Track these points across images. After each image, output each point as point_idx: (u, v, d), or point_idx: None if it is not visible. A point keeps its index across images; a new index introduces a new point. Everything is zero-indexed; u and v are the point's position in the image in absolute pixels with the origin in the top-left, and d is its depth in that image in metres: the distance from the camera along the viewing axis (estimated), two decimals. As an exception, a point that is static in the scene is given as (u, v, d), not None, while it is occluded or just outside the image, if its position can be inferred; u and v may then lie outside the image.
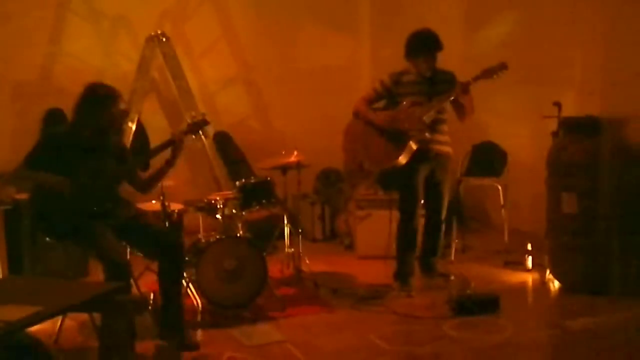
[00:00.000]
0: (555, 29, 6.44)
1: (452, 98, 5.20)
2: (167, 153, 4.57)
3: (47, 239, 4.45)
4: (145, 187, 4.68)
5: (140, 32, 7.37)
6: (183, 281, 4.72)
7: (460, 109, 5.29)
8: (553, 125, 5.58)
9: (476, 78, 5.13)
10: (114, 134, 4.52)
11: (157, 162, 4.66)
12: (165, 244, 4.46)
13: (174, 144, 4.52)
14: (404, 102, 5.29)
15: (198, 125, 4.75)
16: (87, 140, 4.35)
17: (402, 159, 5.24)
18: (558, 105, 5.55)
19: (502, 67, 5.11)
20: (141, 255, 4.70)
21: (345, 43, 8.48)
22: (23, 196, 5.66)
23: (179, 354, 4.27)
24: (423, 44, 5.26)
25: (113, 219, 4.38)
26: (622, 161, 5.22)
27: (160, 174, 4.63)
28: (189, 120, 4.83)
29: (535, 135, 6.45)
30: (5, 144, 6.68)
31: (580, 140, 5.29)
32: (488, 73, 5.12)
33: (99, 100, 4.34)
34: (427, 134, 5.26)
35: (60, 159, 4.25)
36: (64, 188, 4.17)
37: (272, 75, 8.12)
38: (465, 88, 5.16)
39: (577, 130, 5.35)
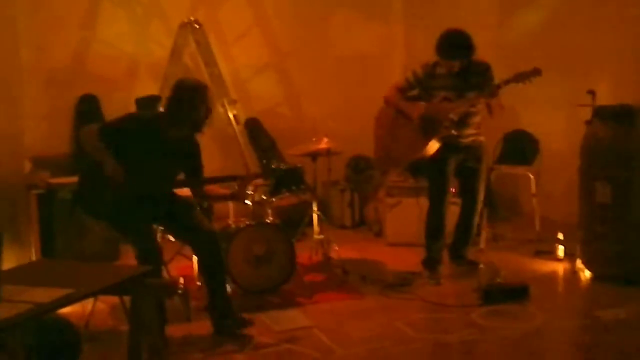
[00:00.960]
0: (590, 16, 6.35)
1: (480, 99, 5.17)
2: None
3: (85, 214, 4.45)
4: (202, 197, 4.71)
5: (173, 18, 7.39)
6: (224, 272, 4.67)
7: (489, 108, 5.23)
8: (586, 113, 5.51)
9: (507, 82, 5.05)
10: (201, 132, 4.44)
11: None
12: (205, 242, 4.44)
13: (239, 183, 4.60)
14: (436, 97, 5.26)
15: (273, 172, 5.06)
16: (169, 139, 4.29)
17: (429, 150, 5.23)
18: (592, 93, 5.47)
19: (536, 72, 5.01)
20: (174, 239, 4.74)
21: (377, 30, 8.44)
22: (57, 180, 5.74)
23: (242, 335, 4.36)
24: (454, 49, 5.17)
25: (156, 209, 4.42)
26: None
27: (222, 198, 4.74)
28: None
29: (568, 123, 6.38)
30: (40, 129, 6.75)
31: (615, 129, 5.21)
32: (520, 77, 5.03)
33: (192, 98, 4.24)
34: (453, 131, 5.25)
35: (132, 144, 4.21)
36: (116, 178, 4.11)
37: (304, 63, 8.11)
38: (494, 92, 5.11)
39: (611, 118, 5.28)
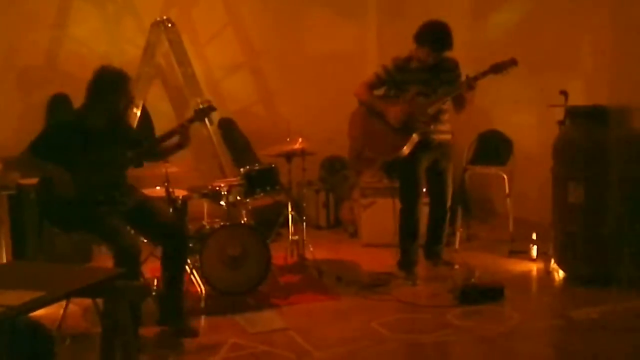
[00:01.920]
0: (563, 16, 6.39)
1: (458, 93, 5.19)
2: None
3: (56, 229, 4.42)
4: (159, 156, 4.72)
5: (145, 17, 7.34)
6: (186, 268, 4.73)
7: (461, 103, 5.26)
8: (559, 113, 5.55)
9: (485, 73, 5.08)
10: (124, 119, 4.46)
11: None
12: (170, 231, 4.45)
13: (180, 131, 4.52)
14: (409, 91, 5.26)
15: (205, 112, 4.74)
16: (96, 128, 4.28)
17: (406, 150, 5.23)
18: (564, 93, 5.51)
19: (512, 63, 5.05)
20: (145, 240, 4.69)
21: (351, 29, 8.44)
22: (27, 181, 5.66)
23: (179, 340, 4.30)
24: (432, 40, 5.18)
25: (120, 205, 4.37)
26: (629, 150, 5.19)
27: (171, 151, 4.64)
28: (194, 108, 4.81)
29: (541, 123, 6.42)
30: (11, 129, 6.66)
31: (587, 129, 5.26)
32: (497, 68, 5.06)
33: (113, 84, 4.26)
34: (432, 127, 5.26)
35: (67, 147, 4.19)
36: (64, 185, 4.12)
37: (278, 62, 8.09)
38: (471, 84, 5.12)
39: (583, 119, 5.33)
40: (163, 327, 4.42)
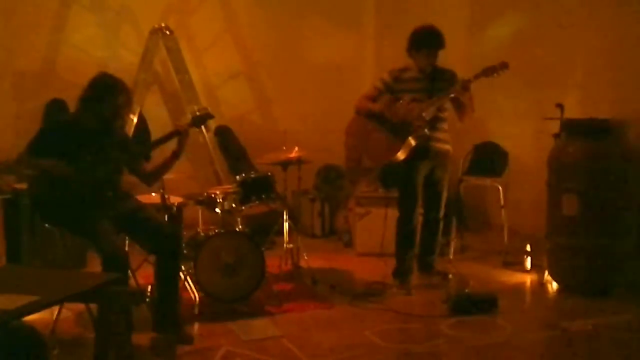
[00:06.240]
0: (559, 29, 6.41)
1: (453, 95, 5.21)
2: (170, 145, 4.56)
3: (46, 224, 4.42)
4: (151, 178, 4.68)
5: (144, 24, 7.35)
6: (180, 274, 4.72)
7: (461, 108, 5.31)
8: (555, 126, 5.57)
9: (477, 76, 5.14)
10: (118, 123, 4.50)
11: (159, 154, 4.65)
12: (164, 238, 4.44)
13: (178, 135, 4.52)
14: (404, 98, 5.29)
15: (203, 118, 4.72)
16: (90, 129, 4.32)
17: (401, 155, 5.25)
18: (560, 107, 5.54)
19: (503, 66, 5.12)
20: (140, 247, 4.69)
21: (349, 40, 8.47)
22: (22, 186, 5.66)
23: (174, 347, 4.28)
24: (426, 39, 5.27)
25: (113, 210, 4.37)
26: (625, 163, 5.22)
27: (166, 165, 4.60)
28: (191, 114, 4.80)
29: (537, 136, 6.44)
30: (8, 133, 6.66)
31: (582, 142, 5.28)
32: (489, 71, 5.13)
33: (105, 90, 4.33)
34: (426, 130, 5.26)
35: (63, 147, 4.23)
36: (69, 176, 4.18)
37: (275, 71, 8.11)
38: (466, 85, 5.17)
39: (578, 132, 5.35)
40: (158, 334, 4.40)
